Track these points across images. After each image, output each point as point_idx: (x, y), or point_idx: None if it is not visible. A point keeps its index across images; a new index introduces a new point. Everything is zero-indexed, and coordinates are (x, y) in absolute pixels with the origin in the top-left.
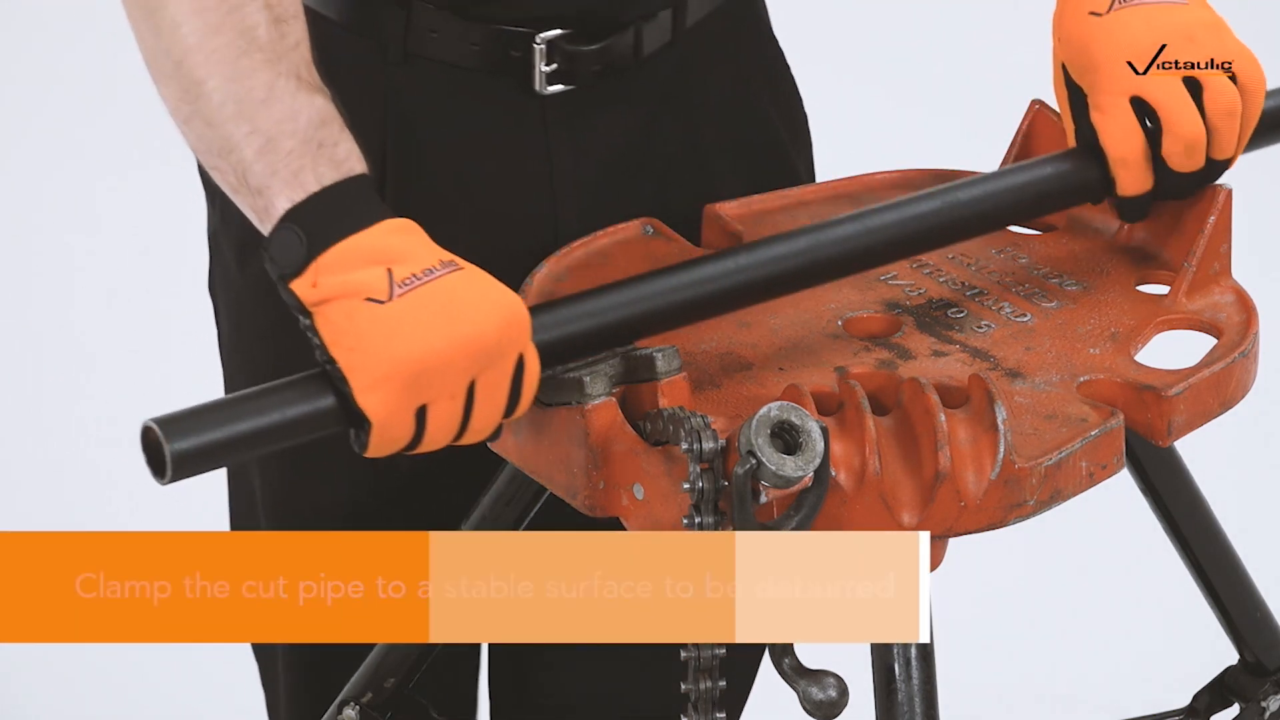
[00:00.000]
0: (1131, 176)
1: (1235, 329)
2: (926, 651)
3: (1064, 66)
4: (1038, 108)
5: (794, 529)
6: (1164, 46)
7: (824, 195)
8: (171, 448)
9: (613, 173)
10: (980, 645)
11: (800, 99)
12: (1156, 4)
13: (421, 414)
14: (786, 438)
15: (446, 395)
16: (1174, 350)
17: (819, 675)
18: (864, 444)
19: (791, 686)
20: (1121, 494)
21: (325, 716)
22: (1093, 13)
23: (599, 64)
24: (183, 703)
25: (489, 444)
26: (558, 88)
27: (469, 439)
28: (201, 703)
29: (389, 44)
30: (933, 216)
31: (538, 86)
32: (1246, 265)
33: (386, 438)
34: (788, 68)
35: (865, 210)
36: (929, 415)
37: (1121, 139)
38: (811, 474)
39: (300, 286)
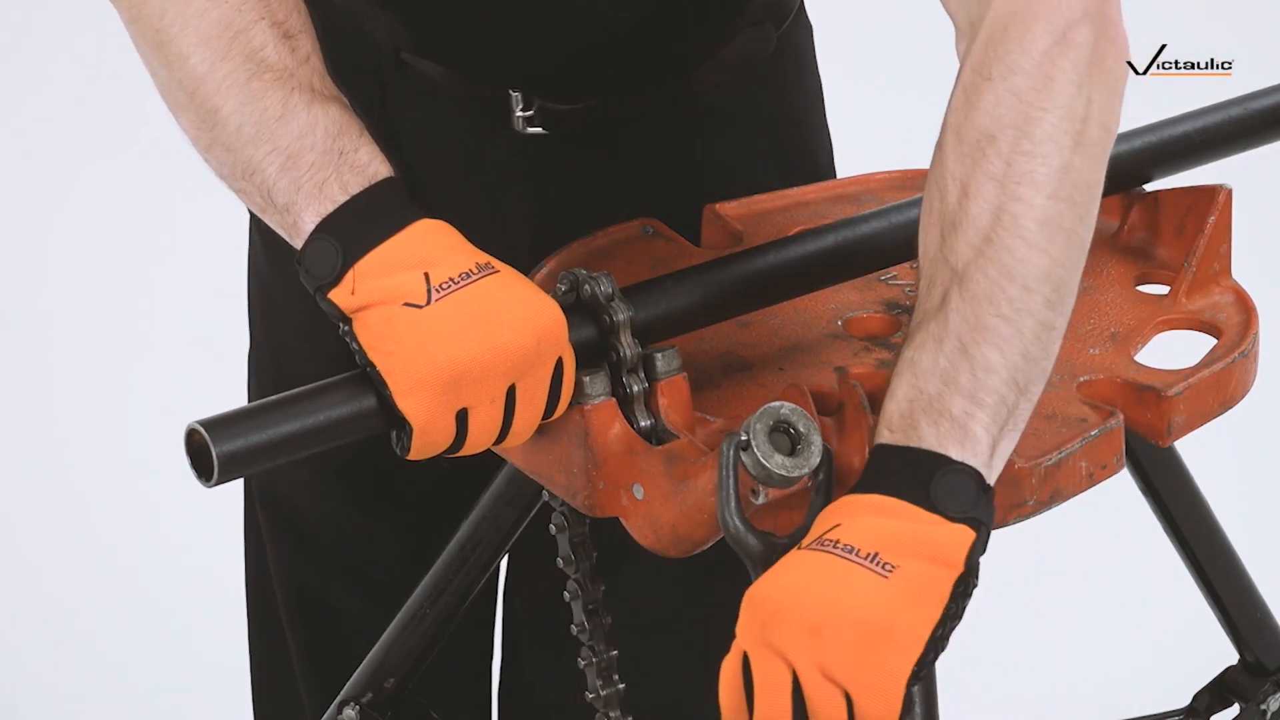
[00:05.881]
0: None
1: (1235, 329)
2: None
3: None
4: None
5: (784, 544)
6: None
7: (824, 195)
8: (218, 450)
9: (583, 215)
10: (980, 645)
11: (825, 139)
12: (844, 561)
13: (462, 418)
14: (788, 436)
15: (487, 400)
16: (1174, 350)
17: None
18: (864, 444)
19: None
20: (1121, 494)
21: (325, 717)
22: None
23: (578, 120)
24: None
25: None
26: (536, 130)
27: (511, 442)
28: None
29: (381, 48)
30: None
31: (516, 127)
32: (1246, 265)
33: (428, 441)
34: (817, 108)
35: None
36: None
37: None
38: (796, 478)
39: (339, 295)
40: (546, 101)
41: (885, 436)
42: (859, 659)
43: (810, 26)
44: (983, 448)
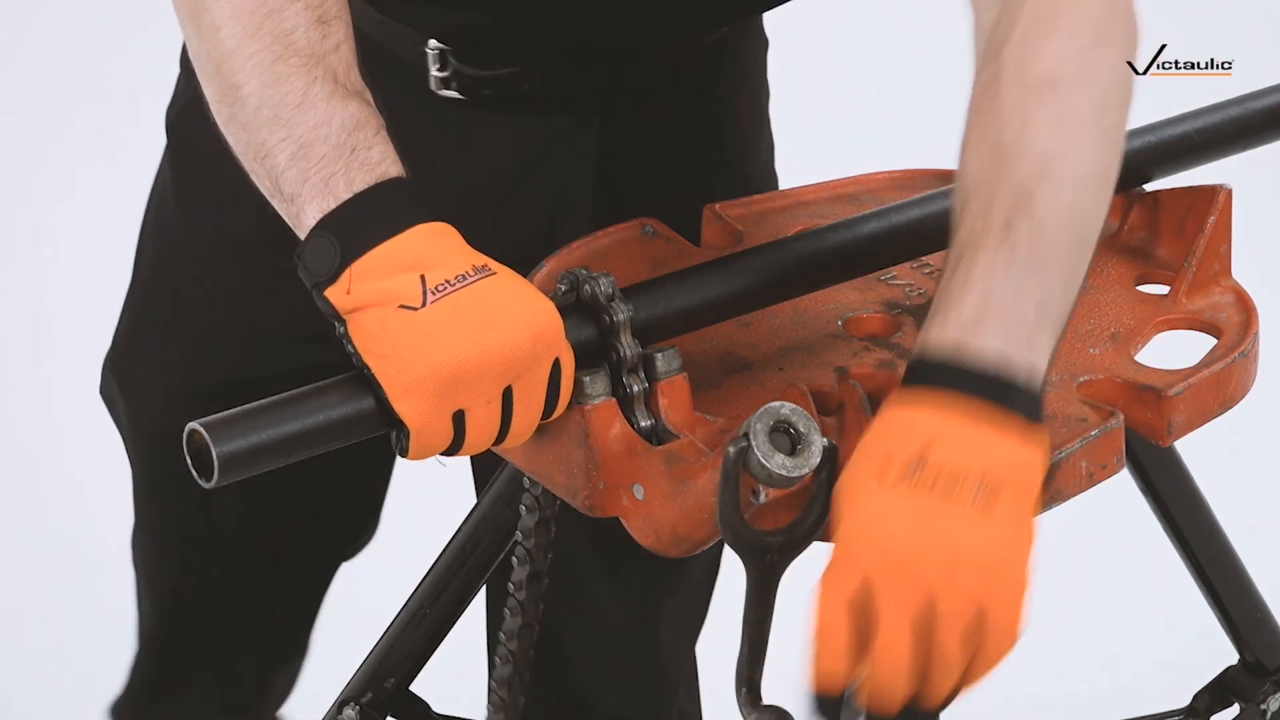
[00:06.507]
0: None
1: (1235, 329)
2: None
3: None
4: None
5: (780, 543)
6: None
7: (825, 195)
8: (218, 450)
9: (490, 192)
10: None
11: (765, 150)
12: (949, 504)
13: (459, 419)
14: (789, 436)
15: (483, 402)
16: (1174, 350)
17: (770, 710)
18: None
19: (744, 715)
20: (1121, 494)
21: (325, 716)
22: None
23: (490, 89)
24: None
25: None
26: (452, 94)
27: (510, 442)
28: None
29: None
30: None
31: (431, 86)
32: (1246, 265)
33: (424, 442)
34: (758, 119)
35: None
36: None
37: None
38: (797, 478)
39: (335, 294)
40: (461, 65)
41: (958, 332)
42: (990, 594)
43: (766, 40)
44: (1042, 370)
